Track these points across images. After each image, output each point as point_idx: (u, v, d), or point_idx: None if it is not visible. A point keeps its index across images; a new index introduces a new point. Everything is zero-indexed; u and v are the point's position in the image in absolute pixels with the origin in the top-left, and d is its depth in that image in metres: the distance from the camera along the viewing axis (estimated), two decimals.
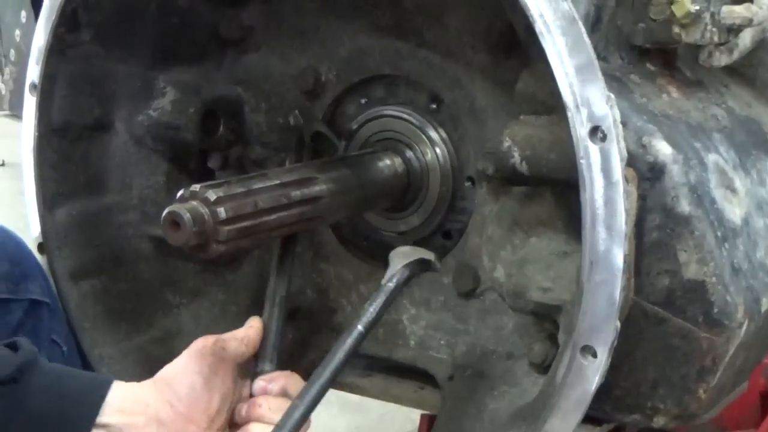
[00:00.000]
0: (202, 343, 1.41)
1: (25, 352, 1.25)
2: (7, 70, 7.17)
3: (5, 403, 1.26)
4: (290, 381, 1.40)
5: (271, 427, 1.29)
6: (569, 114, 1.18)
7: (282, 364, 1.75)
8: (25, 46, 6.69)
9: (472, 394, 1.53)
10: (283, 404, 1.34)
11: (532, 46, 1.23)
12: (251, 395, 1.39)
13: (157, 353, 1.75)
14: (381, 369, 1.78)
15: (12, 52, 6.95)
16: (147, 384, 1.38)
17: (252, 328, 1.48)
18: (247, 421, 1.36)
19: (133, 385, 1.37)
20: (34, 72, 1.62)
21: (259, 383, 1.39)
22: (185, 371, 1.38)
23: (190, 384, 1.36)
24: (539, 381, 1.44)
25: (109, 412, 1.31)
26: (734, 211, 1.38)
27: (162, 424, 1.33)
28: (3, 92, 7.36)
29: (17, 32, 6.80)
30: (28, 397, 1.27)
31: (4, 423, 1.25)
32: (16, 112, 7.13)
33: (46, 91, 1.62)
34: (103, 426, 1.31)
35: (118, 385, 1.34)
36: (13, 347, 1.25)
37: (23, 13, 6.61)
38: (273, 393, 1.37)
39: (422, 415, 1.95)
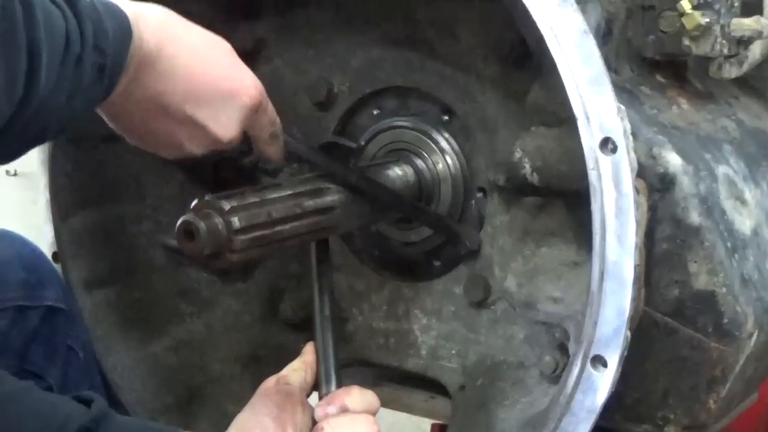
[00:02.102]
0: (265, 385, 1.41)
1: (99, 405, 1.24)
2: None
3: None
4: (349, 395, 1.37)
5: None
6: (580, 125, 1.19)
7: None
8: None
9: (483, 403, 1.53)
10: (344, 420, 1.33)
11: (544, 58, 1.24)
12: (314, 422, 1.37)
13: (170, 362, 1.76)
14: (392, 378, 1.78)
15: None
16: None
17: (307, 353, 1.47)
18: None
19: None
20: None
21: (319, 408, 1.37)
22: (256, 415, 1.37)
23: (262, 427, 1.35)
24: (550, 391, 1.45)
25: None
26: (744, 222, 1.39)
27: None
28: None
29: None
30: None
31: None
32: None
33: None
34: None
35: None
36: (86, 401, 1.23)
37: None
38: (333, 413, 1.34)
39: (433, 425, 1.96)
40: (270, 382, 1.42)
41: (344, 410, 1.35)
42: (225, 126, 1.30)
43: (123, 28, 1.16)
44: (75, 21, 1.09)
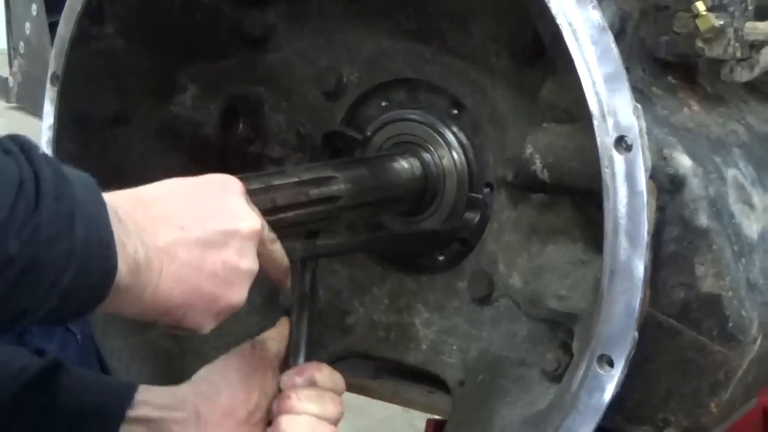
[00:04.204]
0: (242, 347, 1.42)
1: (51, 355, 1.24)
2: (16, 63, 7.18)
3: (36, 400, 1.24)
4: (319, 371, 1.38)
5: (302, 416, 1.29)
6: (595, 123, 1.18)
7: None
8: (35, 39, 6.69)
9: (483, 400, 1.53)
10: (312, 393, 1.33)
11: (559, 54, 1.24)
12: (280, 390, 1.38)
13: (168, 348, 1.76)
14: (392, 372, 1.78)
15: (21, 44, 6.95)
16: (184, 384, 1.37)
17: (282, 325, 1.48)
18: (278, 414, 1.35)
19: (170, 387, 1.37)
20: (56, 63, 1.62)
21: (286, 377, 1.38)
22: (224, 368, 1.38)
23: (228, 380, 1.35)
24: (551, 389, 1.44)
25: (147, 408, 1.30)
26: (752, 227, 1.39)
27: (200, 417, 1.32)
28: (11, 85, 7.36)
29: (27, 25, 6.80)
30: (58, 394, 1.25)
31: (36, 421, 1.24)
32: (23, 105, 7.13)
33: (67, 82, 1.62)
34: (143, 421, 1.31)
35: (153, 387, 1.33)
36: (39, 353, 1.24)
37: (34, 6, 6.61)
38: (300, 384, 1.35)
39: (429, 420, 1.95)
40: (247, 345, 1.42)
41: (312, 384, 1.35)
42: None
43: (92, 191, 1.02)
44: (30, 168, 0.94)
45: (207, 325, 1.16)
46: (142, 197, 1.11)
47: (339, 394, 1.37)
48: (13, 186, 0.91)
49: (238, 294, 1.16)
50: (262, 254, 1.21)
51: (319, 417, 1.30)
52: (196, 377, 1.38)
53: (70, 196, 0.95)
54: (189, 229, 1.11)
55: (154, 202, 1.11)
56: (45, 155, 0.97)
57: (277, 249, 1.27)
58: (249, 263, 1.17)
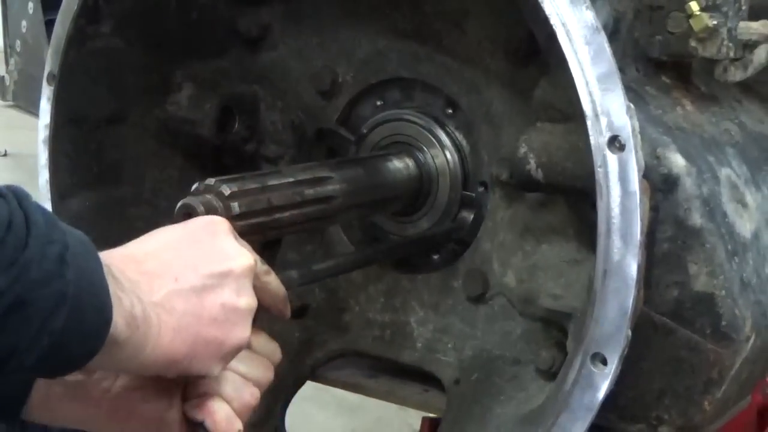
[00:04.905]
0: None
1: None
2: (12, 61, 7.17)
3: None
4: (257, 336, 1.27)
5: (227, 372, 1.21)
6: (588, 122, 1.19)
7: (289, 363, 1.76)
8: (32, 38, 6.69)
9: (478, 398, 1.54)
10: (244, 354, 1.23)
11: (553, 54, 1.24)
12: None
13: None
14: (387, 370, 1.78)
15: (18, 42, 6.95)
16: None
17: None
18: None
19: None
20: (52, 62, 1.63)
21: (254, 339, 1.25)
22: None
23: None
24: (546, 387, 1.45)
25: None
26: (745, 226, 1.39)
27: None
28: (8, 83, 7.36)
29: (24, 23, 6.80)
30: None
31: None
32: (19, 103, 7.13)
33: (63, 81, 1.63)
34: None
35: None
36: None
37: (30, 4, 6.61)
38: (263, 352, 1.28)
39: (424, 418, 1.96)
40: None
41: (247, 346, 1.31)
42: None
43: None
44: (21, 212, 0.92)
45: (216, 368, 1.15)
46: (133, 254, 1.10)
47: (273, 363, 1.32)
48: (3, 224, 0.89)
49: (241, 333, 1.15)
50: (257, 288, 1.20)
51: (245, 377, 1.25)
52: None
53: (61, 242, 0.94)
54: (183, 279, 1.10)
55: (145, 258, 1.10)
56: (38, 204, 0.95)
57: (273, 280, 1.27)
58: (247, 300, 1.16)
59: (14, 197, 0.94)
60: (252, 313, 1.18)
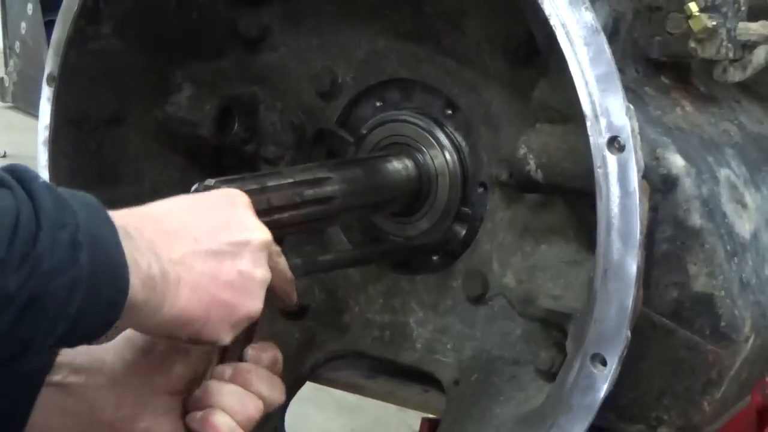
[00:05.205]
0: None
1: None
2: (11, 63, 7.18)
3: None
4: (263, 351, 1.28)
5: (230, 385, 1.21)
6: (588, 123, 1.19)
7: (288, 363, 1.76)
8: (31, 39, 6.71)
9: (478, 399, 1.54)
10: (268, 377, 1.25)
11: (552, 54, 1.24)
12: (240, 359, 1.28)
13: None
14: (386, 371, 1.78)
15: (17, 44, 6.96)
16: (109, 345, 1.26)
17: None
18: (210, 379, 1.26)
19: (94, 347, 1.25)
20: (52, 63, 1.63)
21: (252, 350, 1.28)
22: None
23: (151, 346, 1.26)
24: (545, 388, 1.45)
25: (64, 372, 1.21)
26: (744, 226, 1.40)
27: (117, 384, 1.24)
28: (7, 84, 7.36)
29: (23, 25, 6.81)
30: None
31: None
32: (19, 105, 7.13)
33: (63, 82, 1.63)
34: (60, 386, 1.22)
35: (78, 348, 1.19)
36: None
37: (30, 6, 6.63)
38: (263, 363, 1.27)
39: (423, 419, 1.96)
40: None
41: (273, 365, 1.28)
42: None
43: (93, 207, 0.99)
44: (28, 200, 0.91)
45: (225, 336, 1.15)
46: (152, 214, 1.10)
47: (276, 373, 1.27)
48: (11, 219, 0.88)
49: (254, 303, 1.16)
50: (269, 267, 1.20)
51: (248, 388, 1.22)
52: (121, 337, 1.27)
53: (72, 224, 0.92)
54: (202, 241, 1.10)
55: (165, 217, 1.11)
56: (45, 184, 0.94)
57: (283, 262, 1.27)
58: (263, 272, 1.17)
59: (19, 184, 0.92)
60: (266, 286, 1.18)
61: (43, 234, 0.90)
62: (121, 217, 1.01)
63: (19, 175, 0.94)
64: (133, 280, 0.98)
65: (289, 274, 1.29)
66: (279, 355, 1.30)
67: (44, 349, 0.94)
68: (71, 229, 0.92)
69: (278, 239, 1.38)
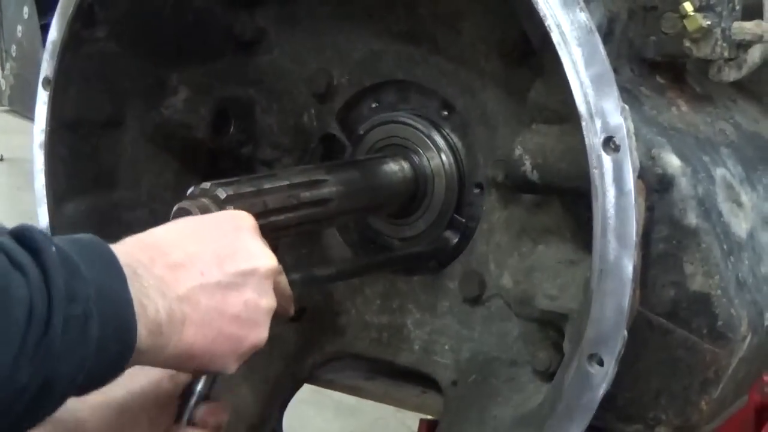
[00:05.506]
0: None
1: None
2: (8, 66, 7.18)
3: None
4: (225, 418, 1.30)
5: None
6: (583, 124, 1.19)
7: (286, 365, 1.76)
8: (27, 42, 6.70)
9: (476, 399, 1.54)
10: None
11: (547, 55, 1.25)
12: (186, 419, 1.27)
13: None
14: (384, 372, 1.78)
15: (14, 47, 6.95)
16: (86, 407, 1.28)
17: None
18: None
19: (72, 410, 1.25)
20: (47, 67, 1.63)
21: (204, 411, 1.28)
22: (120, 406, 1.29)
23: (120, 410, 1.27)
24: (543, 388, 1.45)
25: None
26: (740, 225, 1.40)
27: None
28: (3, 88, 7.36)
29: (19, 28, 6.80)
30: None
31: None
32: (15, 108, 7.13)
33: (59, 86, 1.63)
34: None
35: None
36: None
37: (26, 9, 6.62)
38: (209, 426, 1.27)
39: (421, 420, 1.96)
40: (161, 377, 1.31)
41: (217, 429, 1.29)
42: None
43: (107, 260, 1.00)
44: (41, 280, 0.92)
45: (233, 366, 1.16)
46: (159, 245, 1.10)
47: None
48: (25, 309, 0.89)
49: (260, 333, 1.17)
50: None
51: None
52: (100, 397, 1.25)
53: (84, 296, 0.94)
54: (208, 273, 1.11)
55: (172, 248, 1.10)
56: (57, 252, 0.94)
57: (283, 280, 1.28)
58: (269, 301, 1.18)
59: (30, 256, 0.92)
60: (271, 314, 1.19)
61: (55, 317, 0.91)
62: (128, 254, 1.02)
63: (31, 245, 0.94)
64: (140, 331, 1.00)
65: (289, 292, 1.30)
66: (225, 420, 1.30)
67: (49, 415, 0.96)
68: (83, 301, 0.94)
69: (275, 241, 1.38)
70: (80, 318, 0.93)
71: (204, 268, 1.11)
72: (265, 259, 1.18)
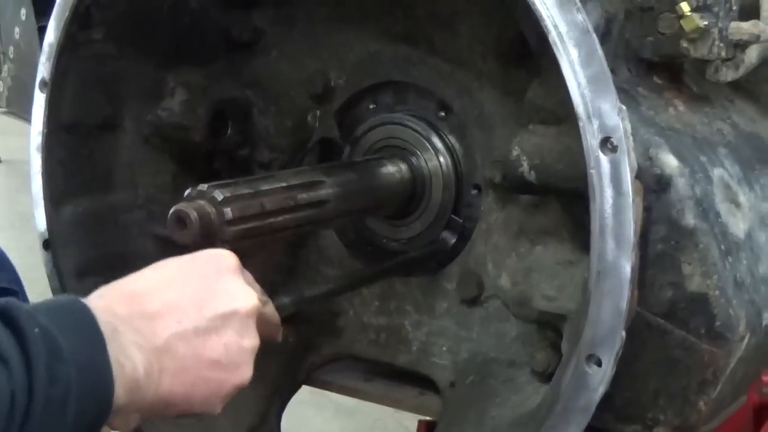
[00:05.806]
0: None
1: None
2: (5, 68, 7.17)
3: None
4: None
5: None
6: (581, 124, 1.19)
7: (284, 367, 1.76)
8: (25, 44, 6.69)
9: (474, 400, 1.54)
10: None
11: (544, 56, 1.25)
12: None
13: None
14: (382, 374, 1.78)
15: (11, 49, 6.95)
16: None
17: None
18: None
19: None
20: (44, 69, 1.62)
21: None
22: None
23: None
24: (541, 389, 1.45)
25: None
26: (738, 225, 1.40)
27: None
28: (1, 89, 7.35)
29: (17, 30, 6.80)
30: None
31: None
32: (13, 110, 7.12)
33: (56, 88, 1.63)
34: None
35: None
36: None
37: (23, 11, 6.61)
38: None
39: (420, 421, 1.96)
40: None
41: None
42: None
43: (88, 326, 1.01)
44: (23, 370, 0.93)
45: (217, 408, 1.15)
46: (137, 293, 1.10)
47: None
48: (5, 403, 0.91)
49: (243, 373, 1.16)
50: (257, 320, 1.21)
51: None
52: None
53: (64, 378, 0.95)
54: (186, 320, 1.10)
55: (150, 297, 1.10)
56: (40, 334, 0.95)
57: (270, 310, 1.28)
58: (251, 341, 1.17)
59: (12, 335, 0.93)
60: (254, 352, 1.18)
61: (36, 403, 0.92)
62: (107, 309, 1.03)
63: (13, 323, 0.95)
64: (117, 391, 1.00)
65: (276, 319, 1.30)
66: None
67: None
68: (63, 382, 0.95)
69: (273, 242, 1.38)
70: (60, 398, 0.95)
71: (181, 316, 1.10)
72: (246, 299, 1.16)
